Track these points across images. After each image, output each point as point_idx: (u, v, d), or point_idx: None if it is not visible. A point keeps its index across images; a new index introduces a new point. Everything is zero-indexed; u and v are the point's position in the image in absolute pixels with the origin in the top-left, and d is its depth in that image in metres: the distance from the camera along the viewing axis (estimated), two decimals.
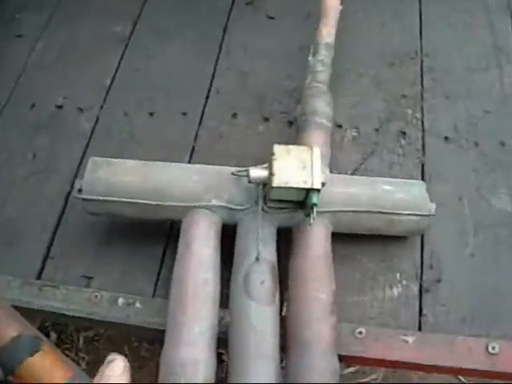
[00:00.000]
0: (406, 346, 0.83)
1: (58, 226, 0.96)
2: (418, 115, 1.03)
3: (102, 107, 1.08)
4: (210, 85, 1.10)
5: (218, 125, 1.05)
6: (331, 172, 0.89)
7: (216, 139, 1.03)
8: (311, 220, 0.80)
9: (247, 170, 0.82)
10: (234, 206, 0.86)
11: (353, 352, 0.83)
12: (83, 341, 1.72)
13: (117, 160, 0.90)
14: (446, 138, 1.01)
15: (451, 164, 0.98)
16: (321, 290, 0.82)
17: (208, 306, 0.81)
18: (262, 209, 0.84)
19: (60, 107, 1.09)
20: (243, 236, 0.86)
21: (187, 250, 0.84)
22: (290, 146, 0.82)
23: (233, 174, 0.85)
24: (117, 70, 1.14)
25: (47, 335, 1.60)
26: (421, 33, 1.16)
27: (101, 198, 0.85)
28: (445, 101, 1.05)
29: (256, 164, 0.94)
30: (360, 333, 0.85)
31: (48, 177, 1.01)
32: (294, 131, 1.01)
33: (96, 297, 0.89)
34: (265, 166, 0.85)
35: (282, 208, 0.85)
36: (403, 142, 1.00)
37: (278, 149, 0.81)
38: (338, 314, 0.81)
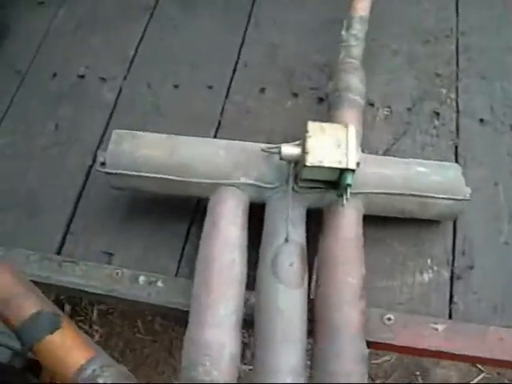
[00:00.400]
0: (436, 335, 0.80)
1: (80, 199, 0.93)
2: (453, 95, 0.98)
3: (125, 78, 1.04)
4: (238, 57, 1.05)
5: (245, 99, 1.00)
6: (363, 152, 0.85)
7: (243, 114, 0.99)
8: (344, 201, 0.76)
9: (279, 147, 0.78)
10: (263, 185, 0.82)
11: (381, 339, 0.80)
12: (97, 314, 1.70)
13: (141, 133, 0.86)
14: (482, 120, 0.96)
15: (486, 147, 0.94)
16: (351, 274, 0.79)
17: (234, 288, 0.78)
18: (293, 188, 0.80)
19: (82, 77, 1.05)
20: (272, 216, 0.82)
21: (214, 229, 0.80)
22: (325, 124, 0.77)
23: (263, 150, 0.81)
24: (141, 40, 1.09)
25: (61, 307, 1.58)
26: (457, 10, 1.10)
27: (124, 172, 0.82)
28: (480, 81, 1.00)
29: (284, 141, 0.90)
30: (389, 319, 0.82)
31: (70, 148, 0.97)
32: (323, 108, 0.96)
33: (117, 274, 0.86)
34: (297, 143, 0.81)
35: (312, 188, 0.81)
36: (437, 122, 0.96)
37: (312, 126, 0.77)
38: (367, 298, 0.78)
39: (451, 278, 0.85)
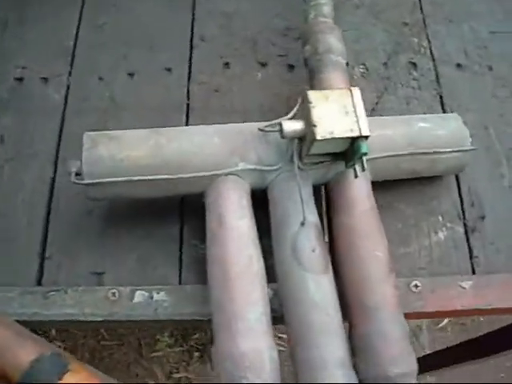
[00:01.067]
0: (464, 293, 0.76)
1: (48, 217, 0.79)
2: (425, 43, 0.92)
3: (70, 73, 0.89)
4: (192, 32, 0.93)
5: (210, 77, 0.89)
6: None
7: (211, 94, 0.87)
8: (358, 172, 0.69)
9: (279, 124, 0.70)
10: (264, 168, 0.73)
11: (413, 308, 0.75)
12: (55, 329, 1.57)
13: (116, 132, 0.74)
14: (459, 64, 0.91)
15: (469, 92, 0.89)
16: (377, 248, 0.72)
17: (258, 287, 0.69)
18: (298, 167, 0.72)
19: (20, 79, 0.89)
20: (279, 200, 0.73)
21: (221, 226, 0.70)
22: (326, 91, 0.69)
23: (260, 129, 0.71)
24: (78, 28, 0.93)
25: None
26: None
27: (108, 179, 0.69)
28: (448, 25, 0.94)
29: (263, 118, 0.82)
30: (416, 286, 0.76)
31: (23, 162, 0.82)
32: (296, 75, 0.89)
33: (113, 294, 0.74)
34: (290, 116, 0.73)
35: (319, 163, 0.74)
36: (415, 73, 0.90)
37: (313, 95, 0.68)
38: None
39: (466, 232, 0.80)
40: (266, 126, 0.71)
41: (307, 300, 0.67)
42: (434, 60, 0.91)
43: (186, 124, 0.84)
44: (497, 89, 0.89)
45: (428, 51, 0.92)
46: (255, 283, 0.68)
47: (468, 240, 0.79)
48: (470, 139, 0.77)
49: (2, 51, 0.91)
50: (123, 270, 0.76)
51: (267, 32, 0.92)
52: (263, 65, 0.90)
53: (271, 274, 0.70)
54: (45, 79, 0.89)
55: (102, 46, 0.91)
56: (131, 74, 0.89)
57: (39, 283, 0.75)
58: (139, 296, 0.74)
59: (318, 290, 0.68)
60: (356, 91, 0.69)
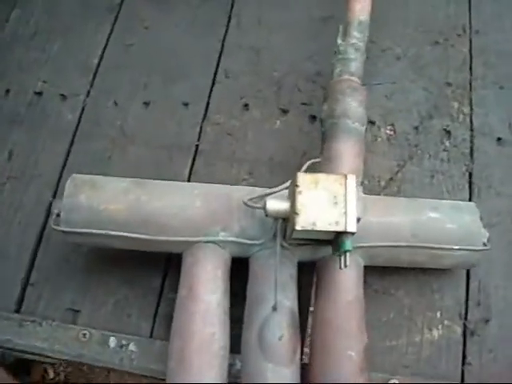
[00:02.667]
0: None
1: (39, 244, 0.77)
2: (466, 109, 0.81)
3: (88, 94, 0.85)
4: (217, 66, 0.86)
5: (227, 118, 0.82)
6: (364, 190, 0.69)
7: (223, 137, 0.81)
8: (342, 265, 0.62)
9: (264, 201, 0.63)
10: (246, 241, 0.66)
11: None
12: None
13: (101, 179, 0.69)
14: (499, 139, 0.79)
15: (505, 173, 0.77)
16: (351, 347, 0.64)
17: (215, 368, 0.62)
18: (281, 245, 0.66)
19: (39, 94, 0.86)
20: (257, 277, 0.67)
21: (190, 296, 0.64)
22: (318, 175, 0.61)
23: (245, 204, 0.65)
24: (105, 47, 0.89)
25: None
26: (469, 3, 0.90)
27: (82, 230, 0.65)
28: (498, 91, 0.82)
29: (271, 171, 0.75)
30: None
31: (26, 182, 0.80)
32: (317, 127, 0.79)
33: (84, 336, 0.71)
34: (284, 186, 0.65)
35: (304, 244, 0.67)
36: (447, 143, 0.79)
37: (302, 178, 0.60)
38: (369, 368, 0.64)
39: (464, 334, 0.70)
40: (251, 200, 0.64)
41: None
42: (472, 130, 0.80)
43: (191, 168, 0.79)
44: None
45: (468, 119, 0.80)
46: (212, 363, 0.63)
47: (464, 343, 0.70)
48: (488, 234, 0.67)
49: (28, 61, 0.89)
50: (99, 313, 0.73)
51: (295, 75, 0.84)
52: (284, 111, 0.82)
53: None
54: (63, 96, 0.85)
55: (125, 68, 0.87)
56: (147, 103, 0.84)
57: (19, 309, 0.73)
58: (109, 342, 0.70)
59: (276, 381, 0.62)
60: (351, 179, 0.60)
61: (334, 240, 0.61)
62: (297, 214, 0.59)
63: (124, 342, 0.70)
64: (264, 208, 0.61)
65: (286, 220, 0.63)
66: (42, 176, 0.80)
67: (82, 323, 0.72)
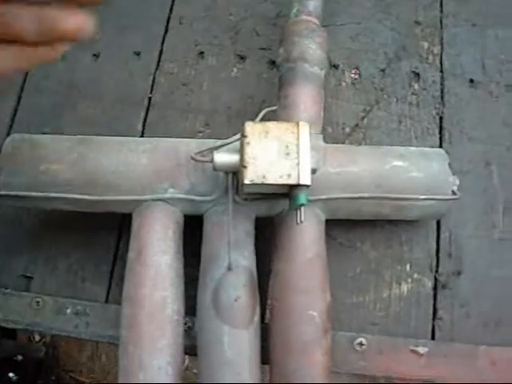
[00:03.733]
0: (417, 360, 0.62)
1: None
2: (436, 49, 0.73)
3: None
4: (170, 11, 0.78)
5: (181, 68, 0.75)
6: (324, 139, 0.63)
7: (178, 87, 0.74)
8: (298, 220, 0.56)
9: (211, 154, 0.57)
10: (196, 198, 0.60)
11: (352, 369, 0.62)
12: None
13: (44, 138, 0.63)
14: (472, 80, 0.72)
15: (476, 117, 0.70)
16: (313, 307, 0.59)
17: (168, 333, 0.57)
18: (234, 200, 0.60)
19: None
20: (211, 234, 0.61)
21: (139, 259, 0.59)
22: (269, 124, 0.54)
23: (193, 158, 0.59)
24: None
25: None
26: None
27: (23, 193, 0.59)
28: (471, 29, 0.74)
29: (229, 122, 0.69)
30: (360, 344, 0.63)
31: None
32: (276, 73, 0.72)
33: (37, 303, 0.66)
34: (236, 137, 0.59)
35: (259, 198, 0.61)
36: (416, 86, 0.72)
37: (250, 128, 0.54)
38: (333, 322, 0.59)
39: (435, 288, 0.65)
40: (200, 153, 0.58)
41: (219, 355, 0.56)
42: (442, 72, 0.72)
43: (144, 122, 0.72)
44: (511, 116, 0.70)
45: (438, 60, 0.73)
46: (165, 327, 0.58)
47: (435, 297, 0.65)
48: (458, 182, 0.61)
49: None
50: (52, 278, 0.67)
51: (253, 18, 0.76)
52: (242, 58, 0.75)
53: None
54: None
55: None
56: (96, 55, 0.76)
57: None
58: (63, 309, 0.66)
59: (233, 345, 0.56)
60: (304, 127, 0.54)
61: (289, 194, 0.56)
62: (245, 166, 0.52)
63: (79, 308, 0.65)
64: (212, 161, 0.56)
65: (237, 174, 0.57)
66: None
67: (35, 290, 0.67)
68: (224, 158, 0.55)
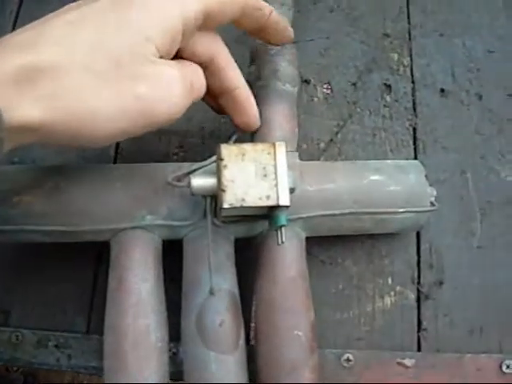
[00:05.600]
0: (405, 373, 0.62)
1: None
2: (406, 61, 0.73)
3: None
4: None
5: None
6: (300, 156, 0.62)
7: None
8: (279, 241, 0.55)
9: (188, 178, 0.56)
10: (175, 223, 0.59)
11: None
12: None
13: (14, 167, 0.62)
14: (442, 90, 0.72)
15: (449, 126, 0.70)
16: (298, 326, 0.58)
17: (153, 362, 0.56)
18: (213, 223, 0.59)
19: None
20: (191, 259, 0.60)
21: (120, 288, 0.57)
22: (244, 145, 0.53)
23: (169, 184, 0.58)
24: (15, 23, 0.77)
25: None
26: None
27: None
28: (439, 39, 0.74)
29: (204, 142, 0.68)
30: (348, 360, 0.63)
31: None
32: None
33: (16, 338, 0.64)
34: (212, 160, 0.58)
35: (238, 221, 0.60)
36: (389, 99, 0.71)
37: (227, 151, 0.53)
38: (319, 338, 0.59)
39: (418, 299, 0.65)
40: (175, 178, 0.57)
41: (207, 381, 0.56)
42: (413, 82, 0.72)
43: (116, 148, 0.70)
44: (483, 124, 0.70)
45: (408, 71, 0.73)
46: (150, 356, 0.56)
47: (419, 309, 0.64)
48: (435, 193, 0.61)
49: None
50: (30, 312, 0.65)
51: (223, 37, 0.75)
52: None
53: None
54: None
55: None
56: None
57: None
58: (44, 342, 0.64)
59: (220, 371, 0.55)
60: (280, 147, 0.53)
61: (268, 215, 0.56)
62: (223, 190, 0.52)
63: (61, 340, 0.63)
64: (189, 186, 0.55)
65: (215, 197, 0.57)
66: None
67: (13, 324, 0.65)
68: (201, 181, 0.54)
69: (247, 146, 0.53)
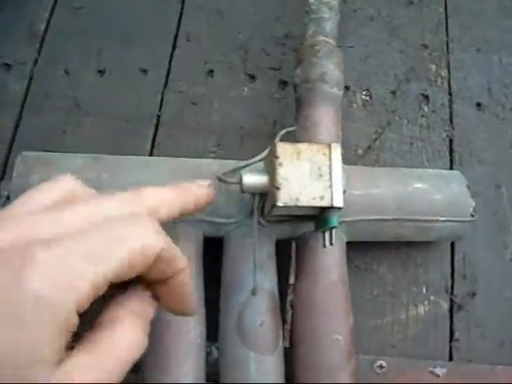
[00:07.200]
0: (436, 382, 0.63)
1: None
2: (444, 73, 0.74)
3: (35, 62, 0.74)
4: (178, 28, 0.76)
5: (190, 86, 0.73)
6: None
7: (187, 107, 0.71)
8: (327, 243, 0.55)
9: (239, 176, 0.55)
10: (219, 220, 0.58)
11: None
12: None
13: (56, 156, 0.60)
14: (479, 104, 0.73)
15: (485, 139, 0.72)
16: (337, 330, 0.58)
17: (192, 359, 0.55)
18: (259, 222, 0.59)
19: None
20: (233, 258, 0.59)
21: None
22: (299, 145, 0.53)
23: (219, 179, 0.57)
24: (52, 11, 0.77)
25: None
26: None
27: None
28: (476, 54, 0.76)
29: (241, 142, 0.68)
30: (381, 367, 0.63)
31: None
32: (288, 93, 0.72)
33: None
34: (258, 158, 0.58)
35: (284, 221, 0.60)
36: (426, 109, 0.72)
37: (282, 149, 0.52)
38: (356, 351, 0.58)
39: (451, 309, 0.65)
40: (225, 176, 0.56)
41: (245, 381, 0.55)
42: (450, 95, 0.74)
43: (153, 141, 0.70)
44: None
45: (446, 83, 0.74)
46: (189, 352, 0.55)
47: (451, 319, 0.65)
48: (474, 203, 0.62)
49: None
50: None
51: (262, 38, 0.76)
52: (252, 77, 0.74)
53: None
54: (7, 66, 0.73)
55: (75, 33, 0.75)
56: (101, 71, 0.73)
57: None
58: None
59: (259, 371, 0.54)
60: (336, 149, 0.53)
61: (319, 216, 0.55)
62: (278, 188, 0.51)
63: None
64: (240, 183, 0.54)
65: (264, 195, 0.56)
66: None
67: None
68: (252, 179, 0.53)
69: (302, 146, 0.53)
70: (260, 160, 0.57)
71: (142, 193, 0.41)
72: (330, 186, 0.51)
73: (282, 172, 0.51)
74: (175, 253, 0.37)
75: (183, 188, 0.44)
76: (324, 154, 0.53)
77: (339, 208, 0.51)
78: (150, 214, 0.37)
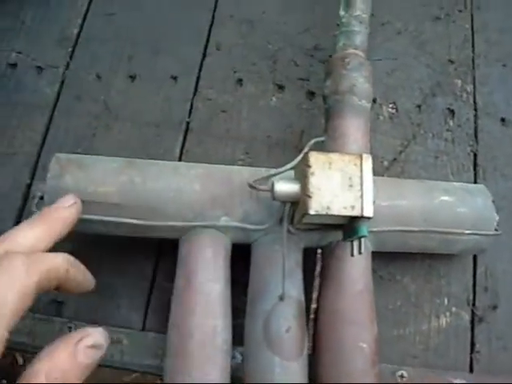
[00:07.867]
0: None
1: None
2: (469, 88, 0.75)
3: (67, 66, 0.76)
4: (208, 37, 0.78)
5: (219, 94, 0.74)
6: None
7: (216, 114, 0.73)
8: (355, 252, 0.56)
9: (271, 183, 0.57)
10: (250, 226, 0.59)
11: None
12: None
13: (89, 158, 0.61)
14: (503, 119, 0.74)
15: (510, 155, 0.73)
16: (362, 338, 0.59)
17: (217, 364, 0.56)
18: (288, 230, 0.60)
19: (13, 65, 0.76)
20: (260, 265, 0.60)
21: (189, 287, 0.57)
22: (331, 155, 0.54)
23: (250, 186, 0.58)
24: (85, 16, 0.79)
25: None
26: None
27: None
28: (502, 69, 0.77)
29: (269, 150, 0.69)
30: (402, 376, 0.64)
31: (0, 163, 0.70)
32: (316, 104, 0.73)
33: (69, 329, 0.64)
34: (288, 166, 0.59)
35: (313, 229, 0.61)
36: (451, 123, 0.73)
37: (315, 158, 0.54)
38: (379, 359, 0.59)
39: (472, 321, 0.66)
40: (257, 183, 0.58)
41: None
42: (475, 110, 0.75)
43: (182, 148, 0.71)
44: None
45: (471, 98, 0.75)
46: (216, 358, 0.56)
47: (473, 330, 0.66)
48: (497, 217, 0.63)
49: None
50: (84, 304, 0.65)
51: (292, 49, 0.77)
52: (280, 87, 0.75)
53: None
54: (40, 69, 0.75)
55: (108, 39, 0.77)
56: (132, 77, 0.75)
57: None
58: None
59: (284, 377, 0.55)
60: (367, 160, 0.54)
61: (348, 225, 0.56)
62: (309, 196, 0.52)
63: (114, 336, 0.63)
64: (272, 191, 0.55)
65: (295, 203, 0.57)
66: (18, 156, 0.70)
67: (66, 315, 0.64)
68: (284, 187, 0.54)
69: (334, 156, 0.54)
70: (291, 168, 0.58)
71: (14, 234, 0.44)
72: (361, 196, 0.52)
73: (313, 181, 0.53)
74: (55, 267, 0.45)
75: (48, 217, 0.48)
76: (355, 165, 0.54)
77: (369, 218, 0.53)
78: (22, 253, 0.41)
